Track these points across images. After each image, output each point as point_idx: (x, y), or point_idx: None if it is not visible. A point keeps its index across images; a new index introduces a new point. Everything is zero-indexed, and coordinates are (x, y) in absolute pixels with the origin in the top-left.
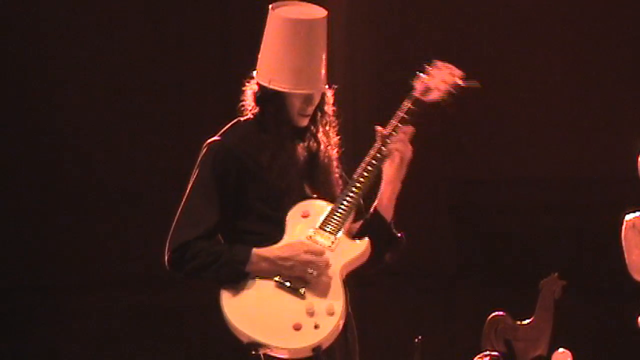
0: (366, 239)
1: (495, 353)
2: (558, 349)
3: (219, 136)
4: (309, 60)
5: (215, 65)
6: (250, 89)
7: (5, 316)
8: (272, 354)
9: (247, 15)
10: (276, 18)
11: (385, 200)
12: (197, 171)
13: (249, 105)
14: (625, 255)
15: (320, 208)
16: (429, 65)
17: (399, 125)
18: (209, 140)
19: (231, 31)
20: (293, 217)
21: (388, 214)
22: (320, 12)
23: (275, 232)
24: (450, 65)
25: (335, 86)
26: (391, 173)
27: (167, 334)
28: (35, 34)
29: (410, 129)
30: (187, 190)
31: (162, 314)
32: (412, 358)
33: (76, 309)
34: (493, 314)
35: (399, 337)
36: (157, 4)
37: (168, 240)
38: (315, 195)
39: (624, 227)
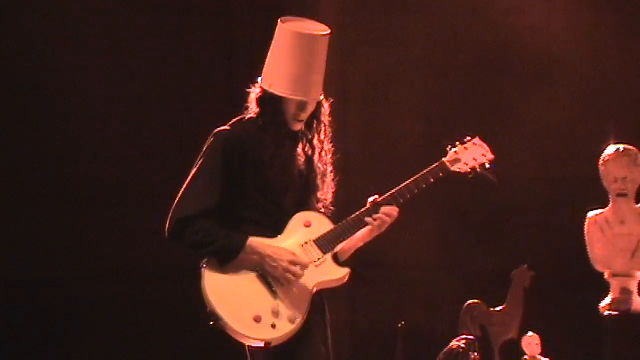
0: (347, 269)
1: (471, 337)
2: (527, 332)
3: (227, 126)
4: (308, 70)
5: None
6: (254, 92)
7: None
8: (226, 331)
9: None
10: (283, 30)
11: (346, 250)
12: (204, 155)
13: (251, 106)
14: (589, 249)
15: (324, 225)
16: (468, 139)
17: (420, 182)
18: (218, 129)
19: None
20: (296, 221)
21: (343, 258)
22: (323, 30)
23: (274, 225)
24: (486, 147)
25: (331, 99)
26: (365, 236)
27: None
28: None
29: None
30: (193, 171)
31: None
32: (396, 341)
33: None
34: (469, 301)
35: (384, 323)
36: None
37: (171, 212)
38: (322, 210)
39: (587, 223)
